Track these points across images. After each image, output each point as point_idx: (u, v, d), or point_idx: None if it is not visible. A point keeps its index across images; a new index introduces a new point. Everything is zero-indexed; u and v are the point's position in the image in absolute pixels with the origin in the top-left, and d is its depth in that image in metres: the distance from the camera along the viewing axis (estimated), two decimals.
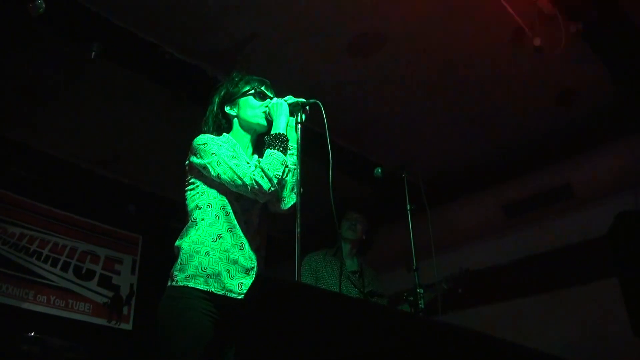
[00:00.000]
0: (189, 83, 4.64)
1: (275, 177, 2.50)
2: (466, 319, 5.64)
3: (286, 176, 2.64)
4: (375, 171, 4.00)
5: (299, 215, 2.41)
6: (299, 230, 2.36)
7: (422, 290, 3.53)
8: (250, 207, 2.66)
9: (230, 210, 2.59)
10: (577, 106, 5.14)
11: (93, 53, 4.19)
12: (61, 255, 5.95)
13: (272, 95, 2.83)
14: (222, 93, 2.85)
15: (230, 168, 2.52)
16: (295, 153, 2.65)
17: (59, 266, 5.88)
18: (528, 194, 5.78)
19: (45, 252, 5.83)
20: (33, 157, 5.71)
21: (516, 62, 4.62)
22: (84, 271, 6.05)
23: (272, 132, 2.64)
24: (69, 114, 5.21)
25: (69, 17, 4.07)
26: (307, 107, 2.69)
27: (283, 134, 2.62)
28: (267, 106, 2.76)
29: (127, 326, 6.13)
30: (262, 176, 2.48)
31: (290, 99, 2.72)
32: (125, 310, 6.21)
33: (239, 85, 2.84)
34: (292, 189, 2.70)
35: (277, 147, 2.58)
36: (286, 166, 2.60)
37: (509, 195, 5.93)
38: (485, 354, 2.01)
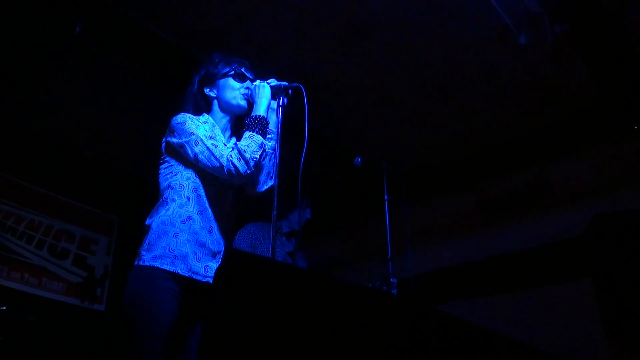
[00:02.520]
0: (172, 64, 4.60)
1: (252, 160, 2.50)
2: None
3: (264, 159, 2.65)
4: (355, 161, 4.00)
5: (276, 199, 2.41)
6: (275, 213, 2.37)
7: (395, 280, 3.55)
8: (223, 190, 2.65)
9: (203, 193, 2.57)
10: (559, 106, 5.18)
11: (78, 28, 4.14)
12: (37, 232, 5.89)
13: (252, 77, 2.81)
14: (202, 73, 2.82)
15: (208, 148, 2.49)
16: (275, 137, 2.65)
17: (34, 243, 5.82)
18: (506, 192, 5.83)
19: (21, 228, 5.77)
20: (12, 133, 5.65)
21: (501, 59, 4.64)
22: (59, 250, 6.00)
23: (253, 114, 2.62)
24: (51, 92, 5.16)
25: None
26: (290, 91, 2.68)
27: (263, 117, 2.61)
28: (248, 88, 2.74)
29: (100, 307, 6.09)
30: (238, 158, 2.47)
31: (273, 81, 2.71)
32: (99, 291, 6.16)
33: (219, 67, 2.80)
34: (269, 173, 2.71)
35: (256, 129, 2.57)
36: (264, 149, 2.59)
37: (487, 192, 5.97)
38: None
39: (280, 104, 2.66)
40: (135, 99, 5.19)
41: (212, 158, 2.48)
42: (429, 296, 5.92)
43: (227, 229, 2.64)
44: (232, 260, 1.57)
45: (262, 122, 2.60)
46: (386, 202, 3.88)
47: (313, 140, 2.60)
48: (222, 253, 2.56)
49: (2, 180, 5.76)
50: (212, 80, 2.80)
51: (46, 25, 4.33)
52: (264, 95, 2.66)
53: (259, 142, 2.55)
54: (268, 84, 2.70)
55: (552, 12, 4.12)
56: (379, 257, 3.84)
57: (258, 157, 2.53)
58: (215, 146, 2.52)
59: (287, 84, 2.70)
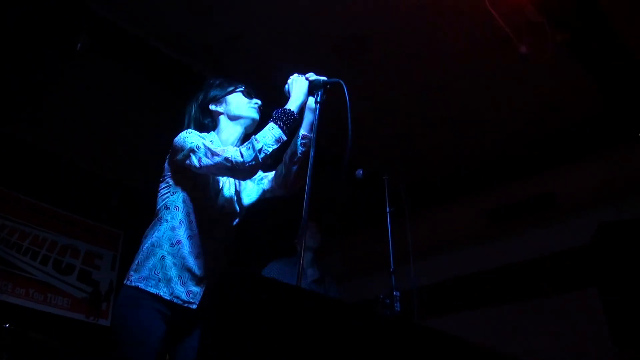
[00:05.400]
0: (175, 79, 4.61)
1: (263, 152, 2.34)
2: (445, 324, 5.63)
3: (296, 160, 2.59)
4: (356, 173, 3.98)
5: (306, 202, 2.22)
6: (305, 216, 2.19)
7: (398, 293, 3.52)
8: (217, 218, 2.60)
9: (194, 219, 2.52)
10: (562, 116, 5.17)
11: (79, 45, 4.17)
12: (41, 248, 5.89)
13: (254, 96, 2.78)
14: (200, 97, 2.78)
15: (209, 149, 2.42)
16: (303, 134, 2.60)
17: (39, 259, 5.82)
18: (511, 202, 5.80)
19: (26, 244, 5.77)
20: (16, 149, 5.67)
21: (503, 70, 4.63)
22: (63, 265, 5.99)
23: (284, 107, 2.48)
24: (54, 107, 5.17)
25: (56, 8, 4.04)
26: (328, 86, 2.55)
27: (291, 112, 2.46)
28: (257, 103, 2.72)
29: (106, 322, 6.07)
30: (248, 147, 2.36)
31: (312, 75, 2.59)
32: (104, 306, 6.15)
33: (223, 86, 2.78)
34: (300, 175, 2.64)
35: (280, 122, 2.42)
36: (280, 144, 2.42)
37: (493, 202, 5.95)
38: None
39: (318, 100, 2.51)
40: (139, 114, 5.21)
41: (215, 156, 2.39)
42: (435, 308, 5.89)
43: (217, 256, 2.57)
44: (228, 280, 1.56)
45: (289, 116, 2.44)
46: (388, 214, 3.86)
47: (320, 149, 2.53)
48: (206, 278, 2.50)
49: (6, 197, 5.77)
50: (218, 98, 2.75)
51: (49, 42, 4.35)
52: (301, 91, 2.53)
53: (277, 136, 2.39)
54: (307, 78, 2.58)
55: (553, 22, 4.12)
56: (383, 269, 3.81)
57: (270, 150, 2.36)
58: (218, 147, 2.46)
59: (326, 79, 2.57)
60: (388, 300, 3.50)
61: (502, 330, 5.53)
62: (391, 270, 3.66)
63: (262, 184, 2.82)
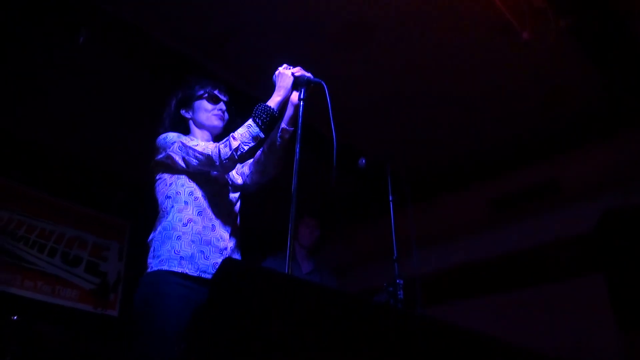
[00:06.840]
0: (178, 71, 4.61)
1: (240, 150, 2.45)
2: (450, 313, 5.66)
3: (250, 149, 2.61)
4: (359, 162, 3.98)
5: (294, 199, 2.28)
6: (293, 213, 2.24)
7: (401, 281, 3.53)
8: (219, 189, 2.69)
9: (200, 195, 2.58)
10: (566, 102, 5.13)
11: (81, 38, 4.17)
12: (49, 241, 5.93)
13: (225, 99, 2.84)
14: (178, 96, 2.86)
15: (191, 147, 2.53)
16: (283, 127, 2.65)
17: (47, 252, 5.87)
18: (516, 190, 5.78)
19: (33, 237, 5.82)
20: (20, 143, 5.70)
21: (505, 56, 4.61)
22: (71, 257, 6.04)
23: (268, 102, 2.55)
24: (57, 100, 5.18)
25: (58, 1, 4.05)
26: (312, 85, 2.59)
27: (271, 109, 2.53)
28: (221, 109, 2.80)
29: (114, 313, 6.13)
30: (225, 145, 2.45)
31: (299, 71, 2.62)
32: (111, 297, 6.20)
33: (195, 89, 2.84)
34: (277, 164, 2.74)
35: (258, 119, 2.51)
36: (257, 141, 2.53)
37: (497, 189, 5.93)
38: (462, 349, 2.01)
39: (302, 97, 2.54)
40: (142, 106, 5.20)
41: (197, 153, 2.51)
42: (439, 295, 5.89)
43: (229, 223, 2.65)
44: (225, 270, 1.57)
45: (268, 114, 2.52)
46: (390, 202, 3.87)
47: (317, 142, 2.56)
48: (228, 248, 2.58)
49: (13, 190, 5.81)
50: (187, 102, 2.83)
51: (48, 33, 4.35)
52: (285, 85, 2.57)
53: (254, 134, 2.50)
54: (292, 74, 2.60)
55: (556, 7, 4.09)
56: (387, 257, 3.83)
57: (247, 148, 2.48)
58: (197, 145, 2.54)
59: (311, 76, 2.61)
60: (392, 288, 3.53)
61: (507, 317, 5.53)
62: (394, 258, 3.68)
63: (243, 168, 2.90)
